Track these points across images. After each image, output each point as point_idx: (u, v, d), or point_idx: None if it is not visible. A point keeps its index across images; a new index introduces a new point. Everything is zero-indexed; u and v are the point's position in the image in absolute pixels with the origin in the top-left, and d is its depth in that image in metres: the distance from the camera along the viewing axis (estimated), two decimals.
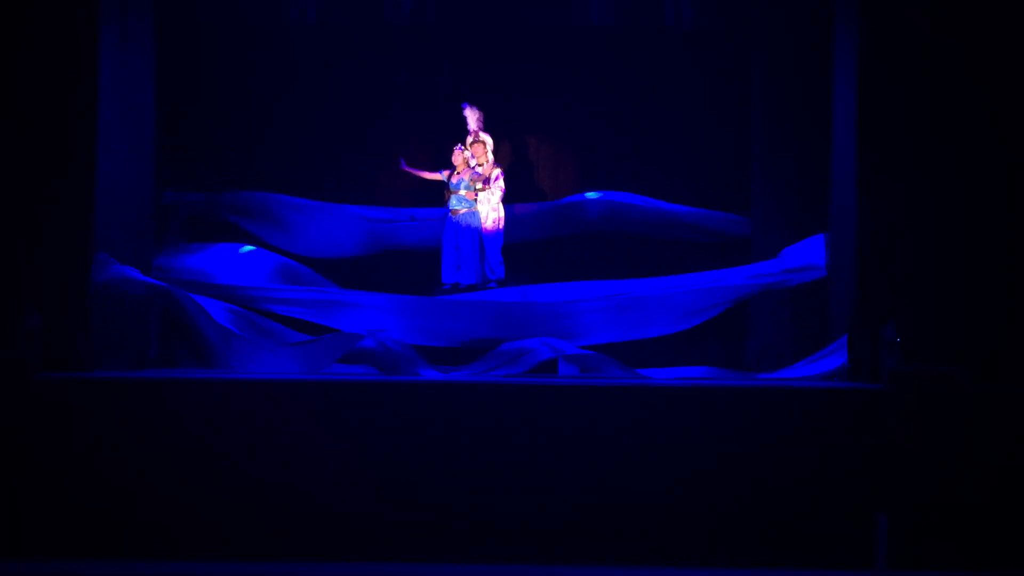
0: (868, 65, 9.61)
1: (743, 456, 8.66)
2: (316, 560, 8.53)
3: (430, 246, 12.06)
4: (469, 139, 12.04)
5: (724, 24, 11.97)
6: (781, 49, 11.74)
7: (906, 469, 8.61)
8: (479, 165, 11.96)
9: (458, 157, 11.99)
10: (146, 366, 10.82)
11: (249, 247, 11.75)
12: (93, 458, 8.63)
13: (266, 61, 12.30)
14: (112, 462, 8.63)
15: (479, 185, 11.87)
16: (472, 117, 12.04)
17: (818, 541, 8.55)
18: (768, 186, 11.87)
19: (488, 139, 12.05)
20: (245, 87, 12.26)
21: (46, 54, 9.57)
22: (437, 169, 12.03)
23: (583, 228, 12.28)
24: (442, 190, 12.02)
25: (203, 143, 12.11)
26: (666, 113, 12.46)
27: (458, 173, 11.97)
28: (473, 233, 11.86)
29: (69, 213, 9.59)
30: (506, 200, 12.00)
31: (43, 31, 9.56)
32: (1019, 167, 9.45)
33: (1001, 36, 9.46)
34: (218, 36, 12.13)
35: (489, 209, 11.88)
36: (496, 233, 11.90)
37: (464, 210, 11.88)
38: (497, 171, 11.95)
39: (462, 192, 11.90)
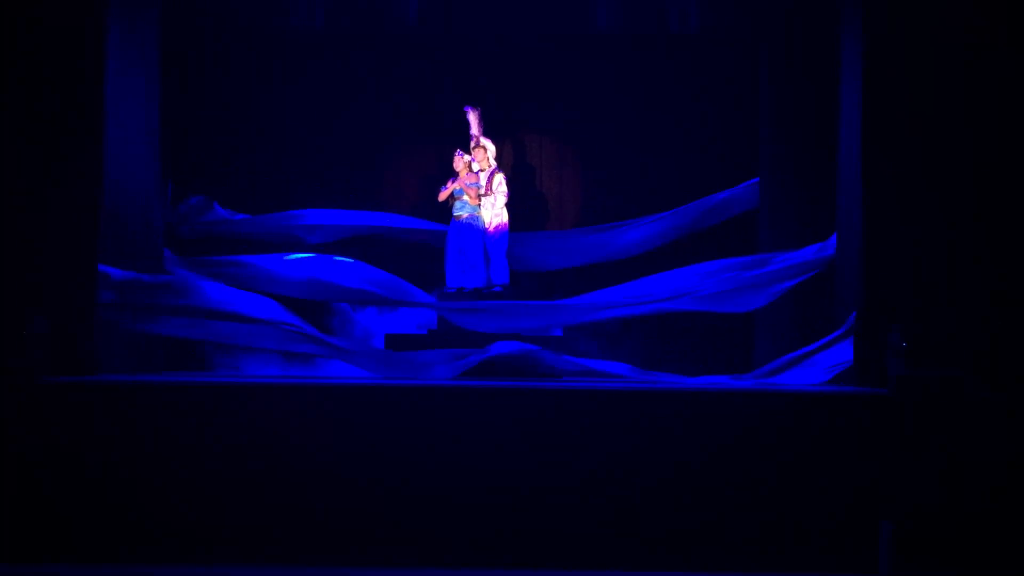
0: (873, 67, 9.60)
1: (748, 460, 8.66)
2: (320, 564, 8.53)
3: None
4: (472, 143, 12.04)
5: (729, 28, 11.98)
6: (787, 53, 11.75)
7: (911, 473, 8.60)
8: (480, 170, 11.95)
9: (459, 162, 11.99)
10: (151, 369, 10.84)
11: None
12: (98, 461, 8.62)
13: (272, 66, 12.33)
14: (117, 465, 8.63)
15: (482, 191, 11.88)
16: (476, 121, 12.04)
17: (822, 545, 8.55)
18: (775, 189, 11.87)
19: (490, 144, 12.04)
20: (252, 93, 12.30)
21: (52, 60, 9.58)
22: (451, 177, 12.04)
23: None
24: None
25: (209, 147, 12.15)
26: (672, 118, 12.48)
27: (461, 178, 11.97)
28: (477, 237, 11.86)
29: (75, 217, 9.60)
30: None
31: (49, 38, 9.57)
32: None
33: (1005, 36, 9.45)
34: (225, 43, 12.16)
35: (492, 214, 11.88)
36: (500, 237, 11.88)
37: (467, 214, 11.88)
38: (500, 177, 11.94)
39: (465, 197, 11.90)
